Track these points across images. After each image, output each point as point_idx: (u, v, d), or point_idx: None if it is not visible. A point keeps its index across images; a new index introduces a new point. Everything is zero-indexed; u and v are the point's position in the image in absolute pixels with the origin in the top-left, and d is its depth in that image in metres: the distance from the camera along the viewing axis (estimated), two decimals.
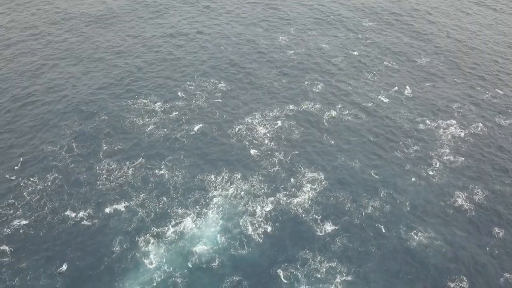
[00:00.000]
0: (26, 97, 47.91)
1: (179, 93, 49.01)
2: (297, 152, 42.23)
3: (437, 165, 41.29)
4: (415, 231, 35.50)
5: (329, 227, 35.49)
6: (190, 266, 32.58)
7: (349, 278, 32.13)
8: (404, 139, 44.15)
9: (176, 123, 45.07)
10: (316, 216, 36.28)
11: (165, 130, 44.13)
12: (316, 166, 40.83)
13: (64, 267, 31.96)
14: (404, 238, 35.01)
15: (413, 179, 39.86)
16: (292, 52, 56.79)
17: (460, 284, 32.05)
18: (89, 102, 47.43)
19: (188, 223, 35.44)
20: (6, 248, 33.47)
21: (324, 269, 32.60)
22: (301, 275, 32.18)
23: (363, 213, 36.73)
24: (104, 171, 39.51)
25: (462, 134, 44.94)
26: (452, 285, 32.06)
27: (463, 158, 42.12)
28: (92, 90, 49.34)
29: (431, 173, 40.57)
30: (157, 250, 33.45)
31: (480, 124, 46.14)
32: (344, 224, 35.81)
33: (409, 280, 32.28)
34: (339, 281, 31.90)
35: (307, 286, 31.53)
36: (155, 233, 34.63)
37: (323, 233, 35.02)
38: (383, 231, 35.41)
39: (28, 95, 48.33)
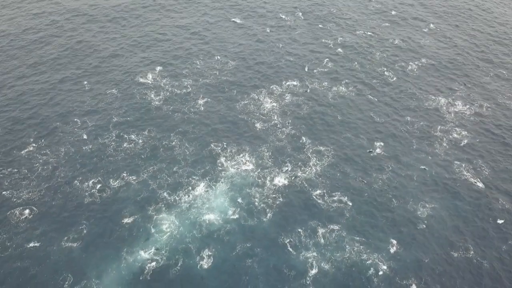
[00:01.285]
0: (36, 74, 48.18)
1: (184, 71, 49.25)
2: (303, 126, 42.64)
3: (443, 141, 41.76)
4: (422, 204, 36.03)
5: (337, 200, 35.97)
6: (200, 234, 33.08)
7: (358, 247, 32.68)
8: (409, 115, 44.57)
9: (184, 97, 45.42)
10: (324, 189, 36.78)
11: (174, 104, 44.51)
12: (323, 141, 41.27)
13: None
14: (411, 210, 35.53)
15: (419, 154, 40.32)
16: (297, 32, 57.00)
17: (466, 253, 32.66)
18: (99, 77, 47.77)
19: (198, 193, 35.90)
20: (21, 214, 33.92)
21: (333, 239, 33.14)
22: (310, 244, 32.74)
23: (371, 187, 37.23)
24: (114, 143, 39.88)
25: (467, 112, 45.36)
26: (455, 254, 32.63)
27: (469, 135, 42.57)
28: (101, 65, 49.62)
29: (436, 149, 41.02)
30: (167, 219, 33.91)
31: (485, 103, 46.55)
32: (352, 197, 36.31)
33: (417, 250, 32.87)
34: (348, 250, 32.45)
35: (315, 254, 32.08)
36: (165, 203, 35.10)
37: (331, 205, 35.50)
38: (391, 204, 35.93)
39: (38, 71, 48.63)
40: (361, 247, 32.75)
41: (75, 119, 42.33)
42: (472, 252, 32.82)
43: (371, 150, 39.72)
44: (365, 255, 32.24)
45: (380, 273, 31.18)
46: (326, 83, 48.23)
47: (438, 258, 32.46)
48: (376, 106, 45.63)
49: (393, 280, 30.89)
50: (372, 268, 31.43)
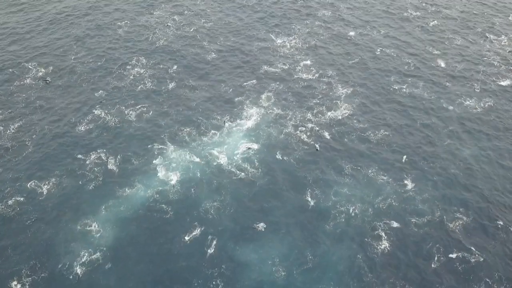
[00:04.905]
0: None
1: (194, 12, 45.30)
2: (329, 66, 38.63)
3: (486, 83, 37.21)
4: (467, 145, 31.55)
5: (367, 139, 31.67)
6: (218, 172, 28.97)
7: (394, 186, 28.38)
8: (447, 56, 40.07)
9: (196, 39, 41.56)
10: (353, 128, 32.50)
11: (185, 45, 40.79)
12: (350, 80, 37.11)
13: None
14: (451, 150, 31.05)
15: (458, 98, 35.66)
16: None
17: None
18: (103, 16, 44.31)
19: (212, 131, 31.86)
20: (15, 149, 30.40)
21: (367, 179, 28.80)
22: (340, 184, 28.51)
23: (408, 126, 32.88)
24: (117, 76, 36.46)
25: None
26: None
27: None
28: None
29: (477, 90, 36.44)
30: (176, 157, 29.86)
31: None
32: (384, 136, 31.93)
33: (459, 189, 28.44)
34: (384, 190, 28.11)
35: (347, 192, 27.83)
36: (175, 140, 31.14)
37: (361, 144, 31.22)
38: (432, 144, 31.51)
39: None
40: (398, 186, 28.37)
41: (77, 53, 38.82)
42: None
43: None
44: (402, 192, 27.88)
45: (418, 212, 26.84)
46: (352, 26, 43.95)
47: (485, 196, 27.96)
48: (406, 46, 41.21)
49: (434, 217, 26.54)
50: (411, 205, 27.08)
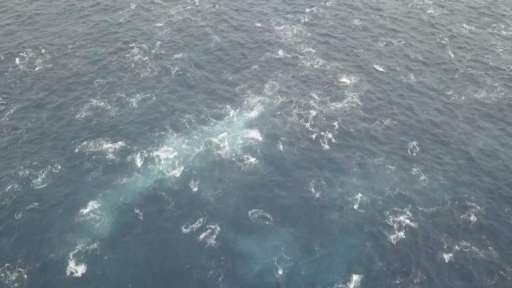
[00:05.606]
0: None
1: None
2: (332, 54, 37.60)
3: (496, 72, 36.16)
4: (479, 135, 30.48)
5: (375, 129, 30.66)
6: (220, 161, 27.98)
7: (403, 176, 27.41)
8: (456, 45, 38.99)
9: (195, 26, 40.53)
10: (362, 115, 31.54)
11: (185, 33, 39.72)
12: (355, 70, 36.03)
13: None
14: (466, 142, 29.97)
15: (467, 87, 34.61)
16: None
17: None
18: None
19: (213, 120, 30.90)
20: (12, 137, 29.45)
21: (376, 170, 27.78)
22: (347, 175, 27.53)
23: (416, 116, 31.86)
24: (117, 65, 35.64)
25: None
26: None
27: None
28: None
29: (487, 80, 35.39)
30: (182, 146, 28.88)
31: None
32: (391, 127, 30.92)
33: (473, 179, 27.48)
34: (393, 179, 27.13)
35: (355, 182, 26.86)
36: (174, 127, 30.18)
37: (369, 133, 30.20)
38: (442, 134, 30.48)
39: None
40: (407, 176, 27.39)
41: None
42: None
43: None
44: (411, 181, 26.91)
45: (428, 202, 25.86)
46: (357, 15, 42.92)
47: (497, 187, 26.94)
48: (417, 35, 40.16)
49: (444, 207, 25.57)
50: (421, 195, 26.12)
